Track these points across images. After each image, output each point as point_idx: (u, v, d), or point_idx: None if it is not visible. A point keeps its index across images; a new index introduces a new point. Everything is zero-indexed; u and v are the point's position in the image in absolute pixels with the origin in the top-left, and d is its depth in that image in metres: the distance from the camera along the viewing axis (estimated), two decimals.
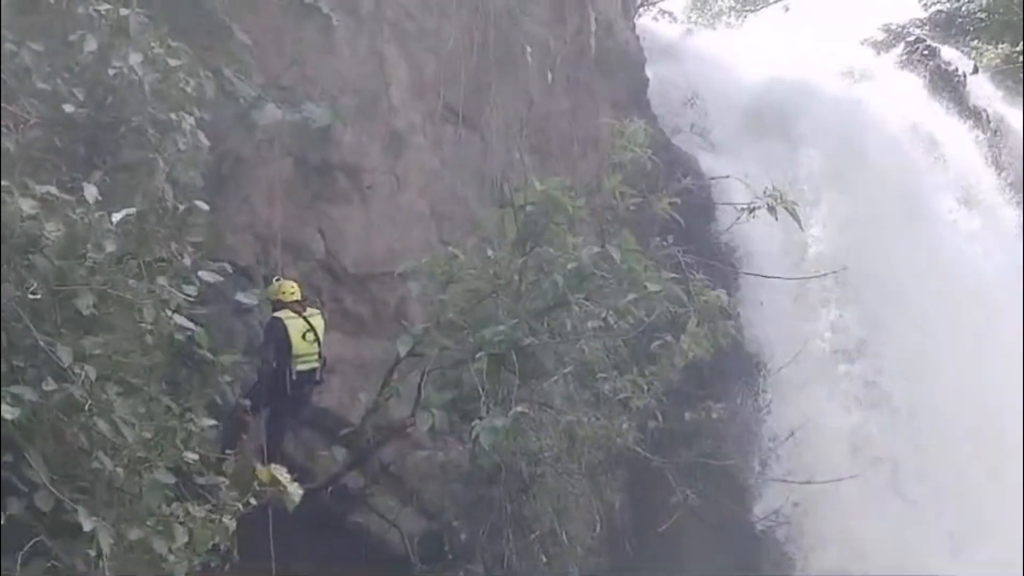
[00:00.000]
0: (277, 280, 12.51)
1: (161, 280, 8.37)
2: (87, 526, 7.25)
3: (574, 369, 10.88)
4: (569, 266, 10.23)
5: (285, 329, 12.01)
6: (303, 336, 12.08)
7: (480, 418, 10.16)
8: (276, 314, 12.17)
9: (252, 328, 13.38)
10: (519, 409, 9.88)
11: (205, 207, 9.34)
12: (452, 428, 12.53)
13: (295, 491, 8.47)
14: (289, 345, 11.97)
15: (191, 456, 8.13)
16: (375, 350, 13.10)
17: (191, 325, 8.68)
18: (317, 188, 13.71)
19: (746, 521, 13.08)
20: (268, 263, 13.51)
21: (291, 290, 12.23)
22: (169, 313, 8.26)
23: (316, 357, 12.21)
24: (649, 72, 17.99)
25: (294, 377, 11.95)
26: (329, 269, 13.87)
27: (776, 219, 10.24)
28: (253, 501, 8.33)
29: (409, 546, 12.91)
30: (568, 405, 11.05)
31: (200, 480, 8.42)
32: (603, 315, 10.64)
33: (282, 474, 8.47)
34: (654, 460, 11.34)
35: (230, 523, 8.03)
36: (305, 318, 12.18)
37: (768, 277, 11.96)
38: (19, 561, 7.00)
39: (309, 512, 12.31)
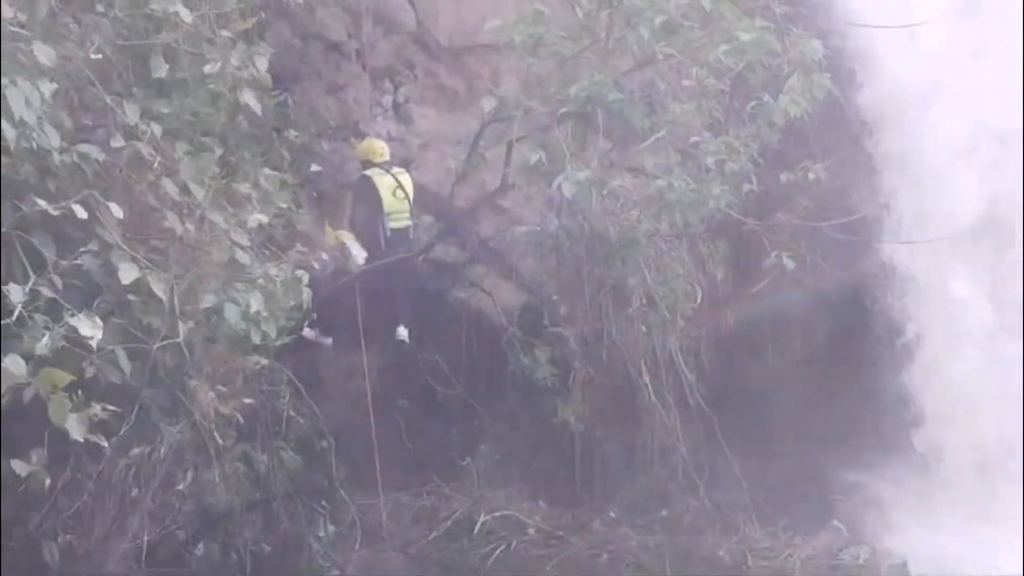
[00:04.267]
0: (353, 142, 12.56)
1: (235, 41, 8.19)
2: (157, 289, 7.20)
3: (666, 132, 10.48)
4: (657, 20, 9.74)
5: (375, 186, 12.03)
6: (393, 193, 12.09)
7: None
8: (365, 172, 12.17)
9: (346, 105, 13.31)
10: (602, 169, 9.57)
11: None
12: (551, 202, 12.39)
13: (359, 253, 8.39)
14: (380, 201, 11.97)
15: (262, 217, 8.08)
16: (470, 124, 12.85)
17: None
18: None
19: (850, 282, 12.59)
20: (360, 38, 13.31)
21: (380, 150, 12.28)
22: (235, 64, 8.06)
23: (408, 215, 12.23)
24: None
25: (388, 234, 11.98)
26: (422, 42, 13.62)
27: None
28: (324, 256, 8.31)
29: (508, 319, 12.89)
30: (660, 170, 10.71)
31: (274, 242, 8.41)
32: (695, 73, 10.19)
33: (349, 239, 8.40)
34: (747, 223, 10.99)
35: (303, 280, 7.99)
36: (394, 175, 12.16)
37: (878, 27, 11.09)
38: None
39: (407, 286, 12.47)
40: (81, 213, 6.96)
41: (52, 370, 6.30)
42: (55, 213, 6.81)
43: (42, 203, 6.79)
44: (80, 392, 6.48)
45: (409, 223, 12.30)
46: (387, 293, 12.23)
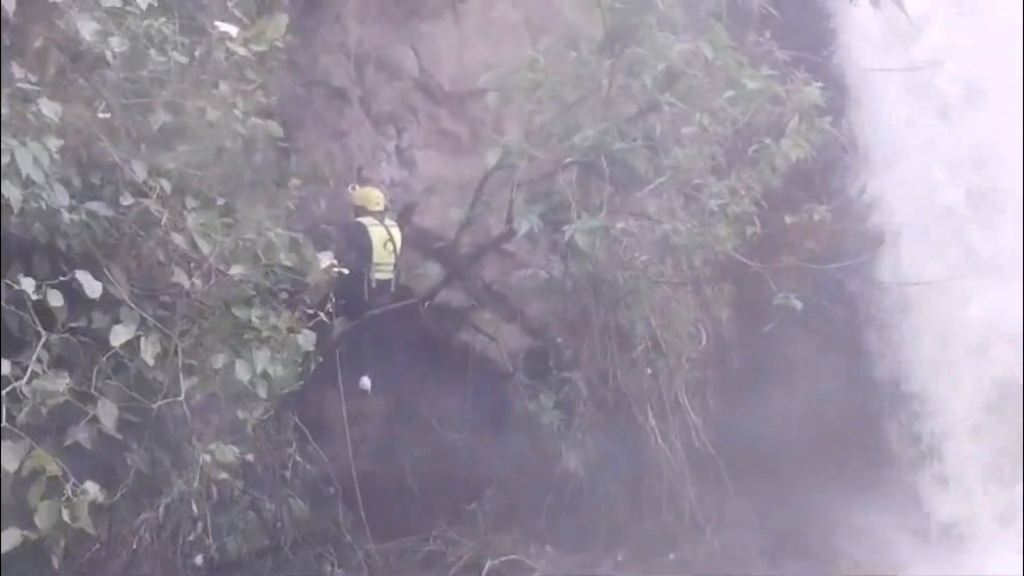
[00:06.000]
0: (353, 188, 12.48)
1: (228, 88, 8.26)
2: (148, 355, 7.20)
3: (669, 177, 10.52)
4: (659, 67, 9.80)
5: (368, 236, 12.00)
6: (384, 245, 12.06)
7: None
8: (359, 219, 12.13)
9: (350, 151, 13.36)
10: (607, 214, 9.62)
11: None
12: (555, 246, 12.41)
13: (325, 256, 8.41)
14: (371, 251, 11.97)
15: (271, 267, 8.11)
16: (474, 169, 12.84)
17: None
18: (409, 4, 13.44)
19: (855, 324, 12.63)
20: (363, 84, 13.38)
21: (377, 199, 12.22)
22: (239, 114, 8.13)
23: (392, 268, 12.20)
24: None
25: (374, 285, 11.95)
26: (424, 88, 13.65)
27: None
28: (331, 308, 8.35)
29: (513, 363, 12.90)
30: (663, 214, 10.76)
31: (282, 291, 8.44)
32: (698, 119, 10.24)
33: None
34: (752, 266, 11.01)
35: (309, 336, 8.00)
36: (386, 227, 12.14)
37: (876, 71, 11.16)
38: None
39: (411, 331, 12.47)
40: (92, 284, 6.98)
41: (42, 453, 6.40)
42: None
43: (25, 283, 6.75)
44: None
45: (392, 276, 12.27)
46: (387, 340, 12.22)
